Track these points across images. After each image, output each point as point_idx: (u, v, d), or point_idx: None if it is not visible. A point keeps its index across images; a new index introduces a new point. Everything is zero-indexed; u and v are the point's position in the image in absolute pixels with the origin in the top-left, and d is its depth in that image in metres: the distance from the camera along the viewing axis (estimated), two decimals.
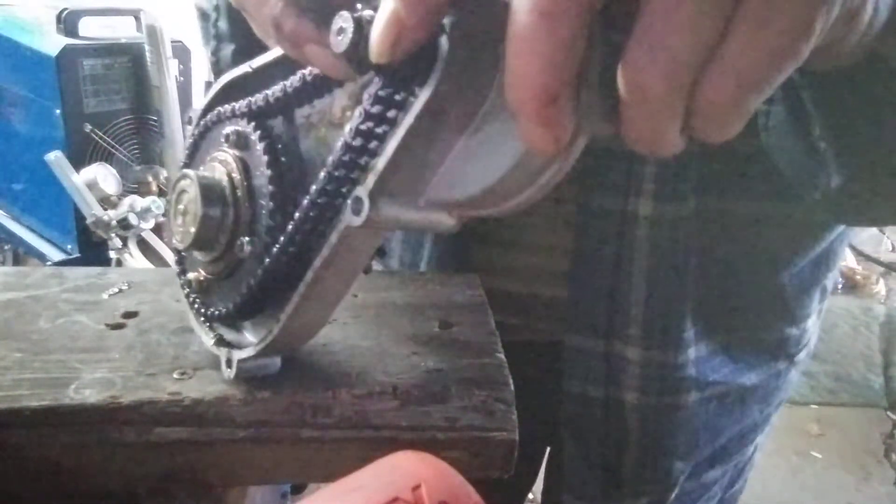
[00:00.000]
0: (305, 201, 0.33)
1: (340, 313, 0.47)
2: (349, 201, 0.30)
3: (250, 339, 0.39)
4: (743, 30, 0.22)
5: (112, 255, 1.84)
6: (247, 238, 0.37)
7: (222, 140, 0.39)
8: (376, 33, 0.25)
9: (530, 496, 0.92)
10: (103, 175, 1.81)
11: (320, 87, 0.35)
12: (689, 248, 0.55)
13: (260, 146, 0.37)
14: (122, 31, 1.89)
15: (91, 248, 1.90)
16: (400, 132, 0.28)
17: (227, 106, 0.39)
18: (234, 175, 0.38)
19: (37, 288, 0.49)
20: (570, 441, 0.65)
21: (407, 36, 0.25)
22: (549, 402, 0.63)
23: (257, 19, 0.34)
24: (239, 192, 0.37)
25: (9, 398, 0.37)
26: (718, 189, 0.53)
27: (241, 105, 0.38)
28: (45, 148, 1.76)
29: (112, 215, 1.79)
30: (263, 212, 0.37)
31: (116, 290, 0.49)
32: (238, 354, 0.38)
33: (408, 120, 0.28)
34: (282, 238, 0.35)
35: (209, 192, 0.37)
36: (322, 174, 0.32)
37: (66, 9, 1.80)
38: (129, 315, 0.46)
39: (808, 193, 0.45)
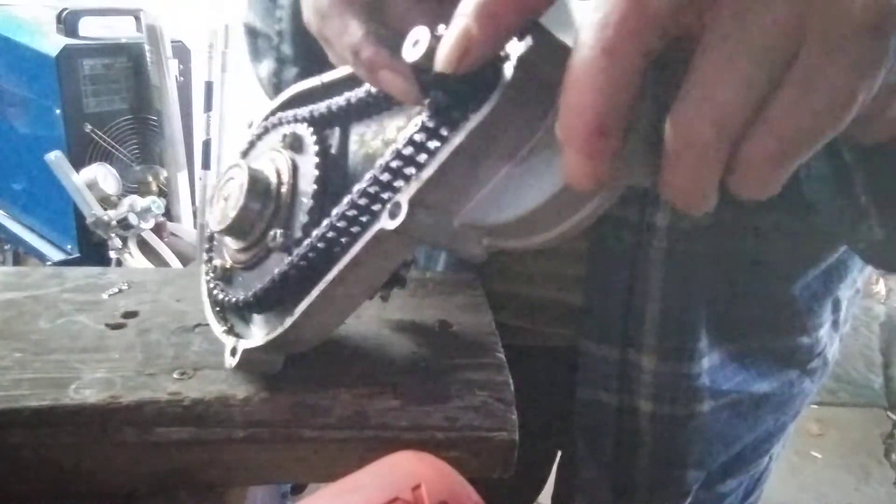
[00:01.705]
0: (345, 200, 0.34)
1: None
2: (388, 205, 0.31)
3: (260, 332, 0.40)
4: (789, 93, 0.23)
5: (112, 255, 1.84)
6: (280, 230, 0.38)
7: (279, 140, 0.41)
8: (446, 43, 0.26)
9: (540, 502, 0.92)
10: (103, 175, 1.81)
11: (380, 105, 0.37)
12: (704, 258, 0.55)
13: (313, 149, 0.39)
14: (122, 31, 1.88)
15: (91, 248, 1.90)
16: (449, 148, 0.29)
17: (289, 111, 0.42)
18: (282, 173, 0.40)
19: (37, 288, 0.49)
20: (583, 447, 0.65)
21: (474, 50, 0.26)
22: (561, 407, 0.63)
23: (336, 47, 0.36)
24: (283, 189, 0.39)
25: (9, 398, 0.37)
26: (735, 201, 0.53)
27: (303, 111, 0.41)
28: (45, 148, 1.76)
29: (112, 215, 1.79)
30: (302, 209, 0.38)
31: (116, 290, 0.49)
32: (244, 344, 0.38)
33: (459, 138, 0.29)
34: (315, 232, 0.36)
35: (256, 183, 0.39)
36: (367, 176, 0.33)
37: (66, 9, 1.80)
38: (129, 315, 0.46)
39: (851, 243, 0.45)
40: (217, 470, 0.39)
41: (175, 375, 0.39)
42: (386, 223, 0.31)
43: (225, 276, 0.42)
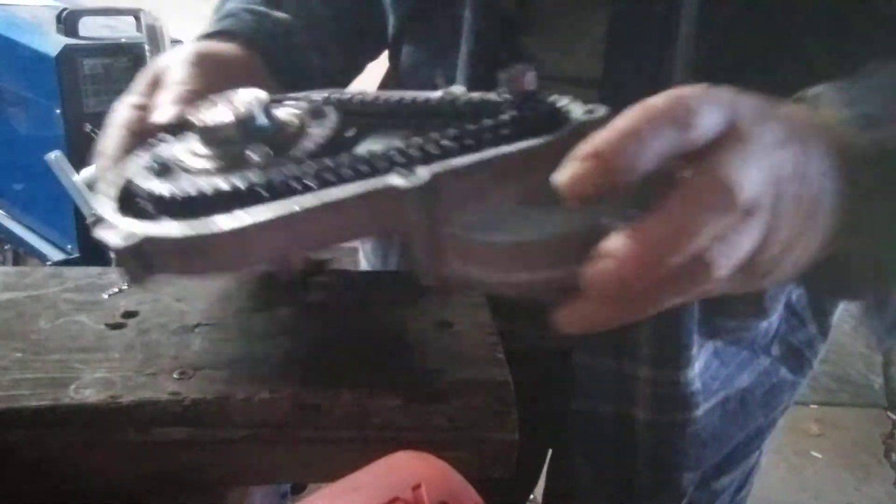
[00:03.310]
0: (357, 155, 0.34)
1: (341, 314, 0.47)
2: (403, 168, 0.31)
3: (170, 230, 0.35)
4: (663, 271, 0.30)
5: (112, 255, 1.83)
6: (268, 150, 0.37)
7: (303, 107, 0.42)
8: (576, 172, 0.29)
9: (532, 497, 0.92)
10: None
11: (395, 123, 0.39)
12: None
13: (331, 122, 0.40)
14: (122, 31, 1.88)
15: (91, 248, 1.90)
16: (496, 152, 0.31)
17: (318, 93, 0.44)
18: (296, 121, 0.40)
19: (37, 288, 0.49)
20: (580, 456, 0.65)
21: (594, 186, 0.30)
22: (553, 409, 0.63)
23: None
24: (290, 129, 0.39)
25: (9, 398, 0.37)
26: None
27: (331, 96, 0.43)
28: (45, 148, 1.75)
29: None
30: (299, 150, 0.38)
31: (116, 290, 0.49)
32: (151, 229, 0.35)
33: (510, 149, 0.31)
34: (310, 168, 0.34)
35: (274, 105, 0.40)
36: (386, 145, 0.33)
37: (66, 9, 1.80)
38: (129, 315, 0.46)
39: None
40: (217, 470, 0.39)
41: (175, 375, 0.39)
42: (396, 180, 0.30)
43: (163, 171, 0.39)
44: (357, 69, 0.74)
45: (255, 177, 0.35)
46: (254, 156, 0.37)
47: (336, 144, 0.38)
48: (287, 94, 0.45)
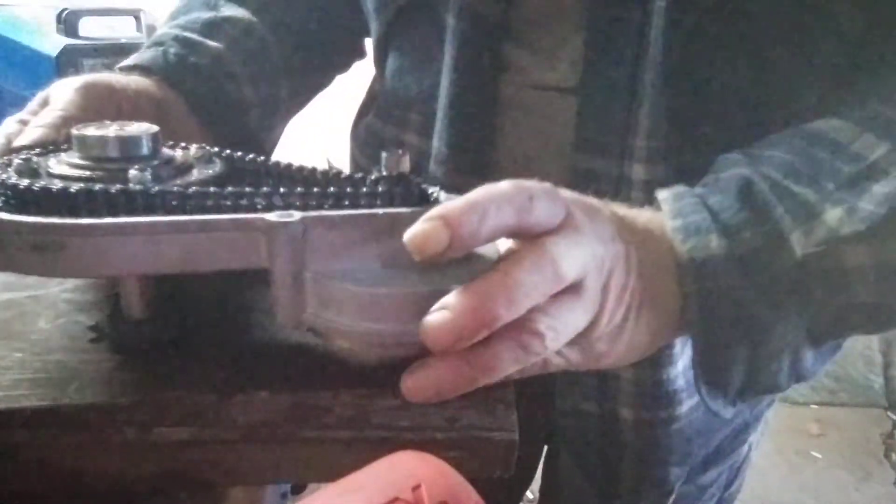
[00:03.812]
0: (242, 188, 0.36)
1: None
2: (276, 208, 0.34)
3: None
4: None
5: None
6: (147, 173, 0.37)
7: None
8: (424, 231, 0.33)
9: (529, 495, 0.92)
10: None
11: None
12: None
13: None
14: (122, 31, 1.88)
15: None
16: (367, 212, 0.35)
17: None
18: (188, 159, 0.43)
19: (37, 288, 0.48)
20: (567, 456, 0.65)
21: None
22: (546, 406, 0.63)
23: None
24: (177, 153, 0.42)
25: (9, 398, 0.37)
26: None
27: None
28: None
29: None
30: (185, 175, 0.40)
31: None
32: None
33: (381, 211, 0.35)
34: (186, 188, 0.36)
35: (159, 142, 0.42)
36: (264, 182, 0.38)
37: (66, 9, 1.80)
38: None
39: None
40: (217, 470, 0.39)
41: (175, 375, 0.39)
42: (269, 216, 0.33)
43: (29, 169, 0.39)
44: (315, 88, 0.74)
45: (129, 188, 0.35)
46: (134, 173, 0.37)
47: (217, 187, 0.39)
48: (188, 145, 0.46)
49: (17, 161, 0.40)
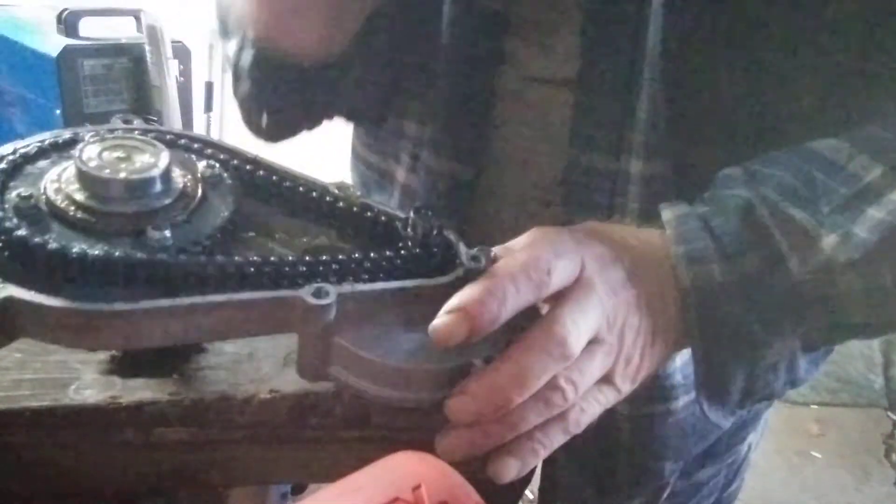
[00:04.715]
0: (274, 259, 0.35)
1: None
2: (311, 285, 0.34)
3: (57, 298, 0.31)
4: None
5: None
6: (167, 233, 0.34)
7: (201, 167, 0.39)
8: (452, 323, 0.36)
9: (528, 495, 0.92)
10: None
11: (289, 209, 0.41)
12: None
13: (229, 190, 0.38)
14: (122, 31, 1.88)
15: None
16: (399, 285, 0.36)
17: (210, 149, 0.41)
18: (199, 188, 0.38)
19: None
20: (563, 451, 0.65)
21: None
22: None
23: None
24: (194, 197, 0.37)
25: (9, 398, 0.37)
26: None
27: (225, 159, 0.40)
28: None
29: None
30: (206, 224, 0.36)
31: None
32: (25, 294, 0.30)
33: (411, 283, 0.37)
34: (215, 259, 0.34)
35: (176, 171, 0.37)
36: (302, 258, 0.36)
37: (66, 9, 1.80)
38: None
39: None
40: (217, 470, 0.39)
41: (175, 375, 0.39)
42: (306, 296, 0.33)
43: (31, 214, 0.33)
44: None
45: (163, 260, 0.33)
46: (153, 233, 0.34)
47: (235, 223, 0.37)
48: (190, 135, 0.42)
49: (17, 198, 0.33)
